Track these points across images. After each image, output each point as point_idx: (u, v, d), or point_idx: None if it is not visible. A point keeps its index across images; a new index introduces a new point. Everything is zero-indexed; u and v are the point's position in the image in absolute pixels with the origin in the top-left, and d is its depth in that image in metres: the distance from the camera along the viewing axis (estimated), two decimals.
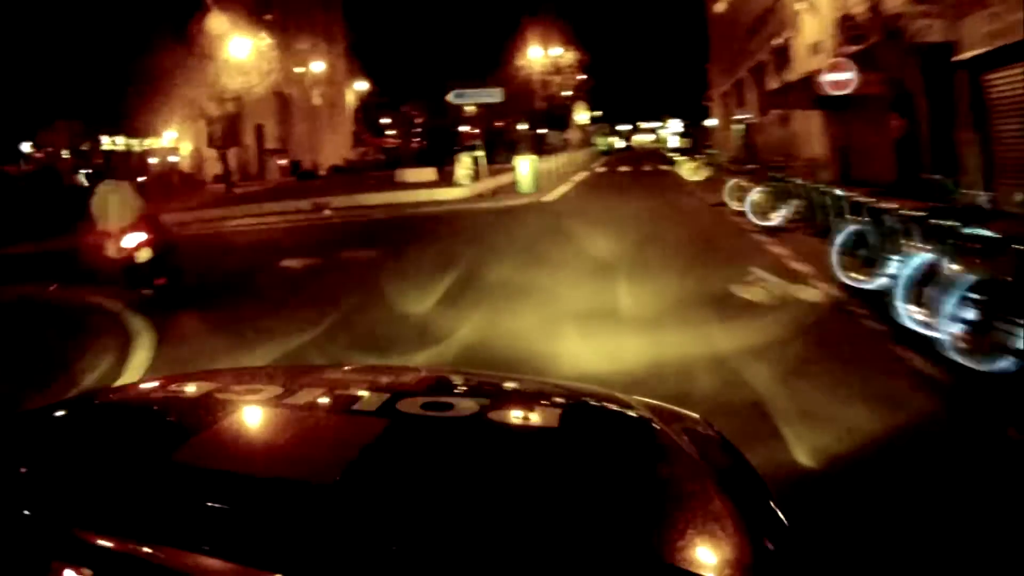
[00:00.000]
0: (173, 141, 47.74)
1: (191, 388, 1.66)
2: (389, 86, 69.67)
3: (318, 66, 52.68)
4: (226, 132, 38.28)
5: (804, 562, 1.19)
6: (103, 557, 0.97)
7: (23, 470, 1.23)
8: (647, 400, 1.68)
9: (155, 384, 1.86)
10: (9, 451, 1.31)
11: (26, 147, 45.78)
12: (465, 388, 1.80)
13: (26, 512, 1.06)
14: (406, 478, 1.20)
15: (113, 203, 9.26)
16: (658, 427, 1.49)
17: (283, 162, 53.26)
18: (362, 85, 66.39)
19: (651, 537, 1.07)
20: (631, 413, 1.58)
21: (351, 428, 1.41)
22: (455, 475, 1.23)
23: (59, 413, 1.62)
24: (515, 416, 1.51)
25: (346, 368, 2.12)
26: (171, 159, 47.33)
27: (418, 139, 68.11)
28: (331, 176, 46.76)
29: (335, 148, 58.09)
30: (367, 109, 69.78)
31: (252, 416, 1.47)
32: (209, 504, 1.07)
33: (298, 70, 49.52)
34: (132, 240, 9.14)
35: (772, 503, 1.28)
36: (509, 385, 1.96)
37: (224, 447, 1.31)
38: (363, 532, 1.02)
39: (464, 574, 0.96)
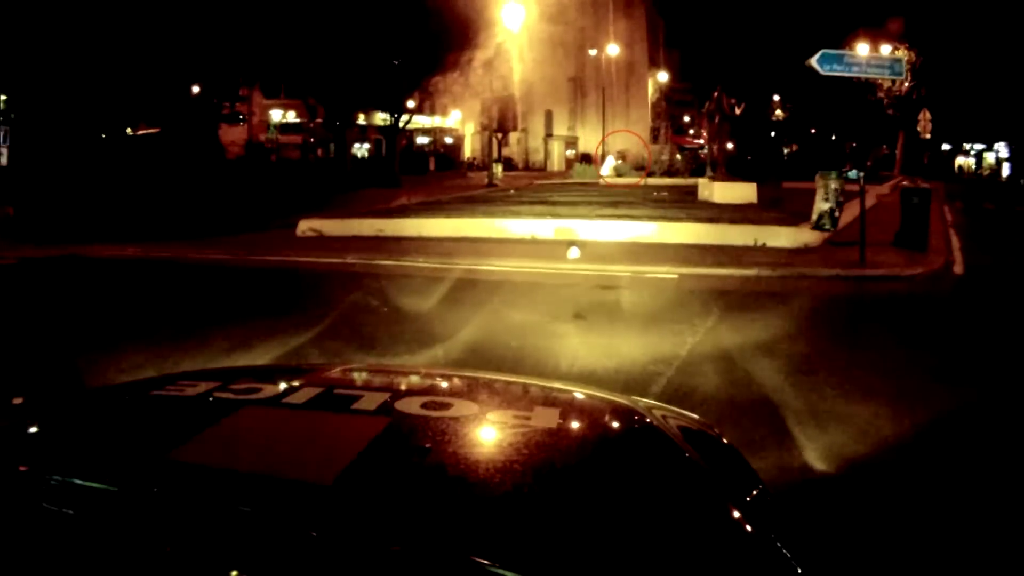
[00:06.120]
0: (459, 122, 47.38)
1: (190, 387, 1.68)
2: (697, 78, 58.36)
3: (613, 49, 47.74)
4: (502, 114, 35.14)
5: (807, 560, 1.16)
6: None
7: (22, 468, 1.23)
8: (647, 401, 1.72)
9: (154, 383, 1.86)
10: (7, 448, 1.32)
11: None
12: (464, 388, 1.84)
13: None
14: (405, 477, 1.21)
15: None
16: (657, 428, 1.53)
17: (570, 152, 49.82)
18: (663, 76, 60.04)
19: (650, 537, 1.08)
20: (630, 414, 1.62)
21: (350, 427, 1.40)
22: (454, 475, 1.23)
23: (60, 410, 1.63)
24: (514, 416, 1.51)
25: (345, 367, 2.16)
26: (447, 140, 47.38)
27: (732, 140, 57.17)
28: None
29: (633, 144, 51.68)
30: (669, 103, 62.40)
31: (251, 415, 1.48)
32: (206, 503, 1.07)
33: (592, 52, 45.23)
34: None
35: (771, 503, 1.30)
36: (508, 386, 2.01)
37: (222, 446, 1.31)
38: (361, 531, 1.02)
39: (462, 574, 0.96)
